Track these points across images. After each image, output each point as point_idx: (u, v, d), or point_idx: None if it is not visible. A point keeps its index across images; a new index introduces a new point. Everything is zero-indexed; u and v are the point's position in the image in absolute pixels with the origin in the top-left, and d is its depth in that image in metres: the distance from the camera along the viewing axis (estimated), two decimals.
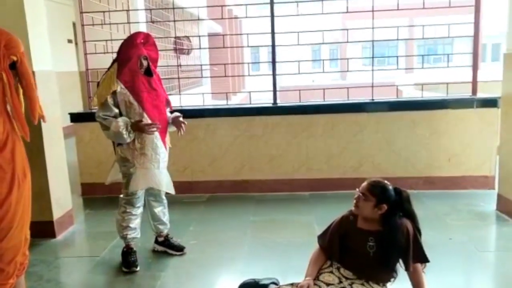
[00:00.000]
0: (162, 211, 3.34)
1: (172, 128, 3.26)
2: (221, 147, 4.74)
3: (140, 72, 3.01)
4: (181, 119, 3.21)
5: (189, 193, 4.67)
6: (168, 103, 3.26)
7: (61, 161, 3.92)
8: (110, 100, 2.95)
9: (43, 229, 3.60)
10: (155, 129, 2.97)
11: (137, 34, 3.10)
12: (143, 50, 3.02)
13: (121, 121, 2.92)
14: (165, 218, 3.37)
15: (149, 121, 3.00)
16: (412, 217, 2.26)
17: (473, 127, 4.53)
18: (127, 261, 3.14)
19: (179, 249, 3.35)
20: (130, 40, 3.04)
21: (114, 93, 2.95)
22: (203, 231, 3.80)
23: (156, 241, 3.41)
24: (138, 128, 2.94)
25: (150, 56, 3.09)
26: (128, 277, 3.03)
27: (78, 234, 3.95)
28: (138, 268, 3.11)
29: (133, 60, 2.97)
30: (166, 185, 3.17)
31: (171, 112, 3.30)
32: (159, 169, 3.09)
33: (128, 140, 2.96)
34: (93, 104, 3.11)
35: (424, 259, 2.25)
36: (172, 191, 3.24)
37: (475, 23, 4.60)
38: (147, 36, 3.10)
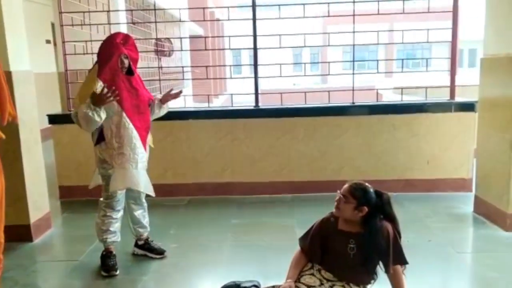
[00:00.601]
0: (142, 214, 3.31)
1: (164, 110, 3.26)
2: (203, 149, 4.72)
3: (120, 71, 2.98)
4: (172, 92, 3.22)
5: (170, 196, 4.62)
6: (151, 100, 3.22)
7: (38, 163, 3.84)
8: (88, 100, 2.89)
9: (19, 232, 3.53)
10: (110, 94, 2.81)
11: (116, 34, 3.09)
12: (123, 49, 2.99)
13: (83, 106, 2.83)
14: (145, 221, 3.33)
15: (128, 121, 2.96)
16: (393, 220, 2.28)
17: (451, 130, 4.61)
18: (106, 265, 3.08)
19: (160, 252, 3.31)
20: (109, 40, 3.02)
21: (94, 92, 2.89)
22: (184, 235, 3.77)
23: (136, 245, 3.36)
24: (97, 100, 2.80)
25: (130, 56, 3.06)
26: (108, 281, 2.98)
27: (55, 237, 3.87)
28: (117, 272, 3.06)
29: (114, 58, 2.94)
30: (144, 186, 3.10)
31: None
32: (137, 169, 3.02)
33: (99, 119, 2.84)
34: (74, 105, 3.03)
35: (403, 261, 2.27)
36: (151, 193, 3.18)
37: (453, 28, 4.69)
38: (126, 37, 3.08)
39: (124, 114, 2.96)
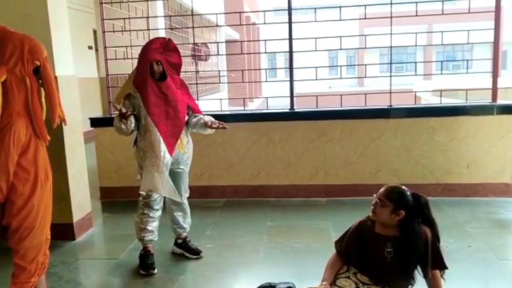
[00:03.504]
0: (182, 215, 3.38)
1: (208, 131, 3.27)
2: (238, 152, 4.77)
3: (149, 77, 3.03)
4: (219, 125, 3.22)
5: (206, 197, 4.70)
6: (191, 107, 3.25)
7: (81, 164, 3.99)
8: (126, 102, 3.07)
9: (63, 231, 3.67)
10: (120, 111, 2.95)
11: (154, 39, 3.15)
12: (156, 55, 3.03)
13: (115, 117, 3.04)
14: (184, 222, 3.40)
15: (152, 125, 3.02)
16: (431, 224, 2.24)
17: (493, 133, 4.47)
18: (144, 264, 3.17)
19: (196, 252, 3.38)
20: (145, 46, 3.12)
21: (129, 96, 3.07)
22: (220, 236, 3.82)
23: (176, 243, 3.45)
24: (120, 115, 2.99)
25: (170, 61, 3.11)
26: (146, 280, 3.06)
27: (97, 236, 4.01)
28: (155, 271, 3.14)
29: (143, 64, 3.04)
30: (167, 191, 3.10)
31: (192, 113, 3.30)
32: (159, 173, 3.04)
33: (126, 131, 3.02)
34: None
35: (443, 266, 2.23)
36: (176, 198, 3.17)
37: (495, 28, 4.55)
38: (167, 42, 3.12)
39: (149, 119, 3.04)
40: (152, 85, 3.04)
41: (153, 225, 3.23)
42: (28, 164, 2.26)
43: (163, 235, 3.48)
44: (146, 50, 3.06)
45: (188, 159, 3.30)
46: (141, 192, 3.15)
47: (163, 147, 3.04)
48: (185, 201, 3.37)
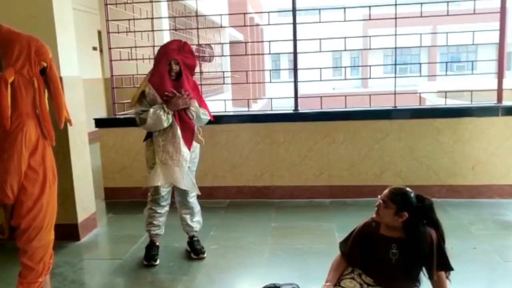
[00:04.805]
0: (189, 214, 3.42)
1: (200, 117, 3.24)
2: (242, 153, 4.77)
3: (167, 74, 3.12)
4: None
5: (210, 198, 4.69)
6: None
7: (86, 165, 3.99)
8: (144, 100, 3.13)
9: (67, 231, 3.68)
10: (186, 97, 3.08)
11: (172, 41, 3.27)
12: (175, 55, 3.13)
13: (156, 106, 3.07)
14: (192, 221, 3.43)
15: (173, 120, 3.10)
16: (436, 225, 2.23)
17: (498, 135, 4.45)
18: (148, 255, 3.30)
19: (197, 253, 3.39)
20: (163, 46, 3.22)
21: (143, 93, 3.12)
22: (224, 236, 3.82)
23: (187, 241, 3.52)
24: (173, 105, 3.06)
25: (186, 62, 3.19)
26: (150, 280, 3.07)
27: (101, 237, 4.01)
28: (156, 262, 3.25)
29: (162, 63, 3.13)
30: (186, 184, 3.22)
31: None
32: (179, 167, 3.15)
33: (166, 124, 3.07)
34: (130, 105, 3.23)
35: (448, 267, 2.22)
36: (195, 191, 3.31)
37: (501, 29, 4.53)
38: (183, 44, 3.21)
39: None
40: (169, 83, 3.13)
41: (159, 220, 3.33)
42: (37, 164, 2.28)
43: (168, 236, 3.49)
44: (165, 49, 3.17)
45: (195, 158, 3.36)
46: (149, 187, 3.25)
47: (181, 142, 3.14)
48: (192, 200, 3.40)
